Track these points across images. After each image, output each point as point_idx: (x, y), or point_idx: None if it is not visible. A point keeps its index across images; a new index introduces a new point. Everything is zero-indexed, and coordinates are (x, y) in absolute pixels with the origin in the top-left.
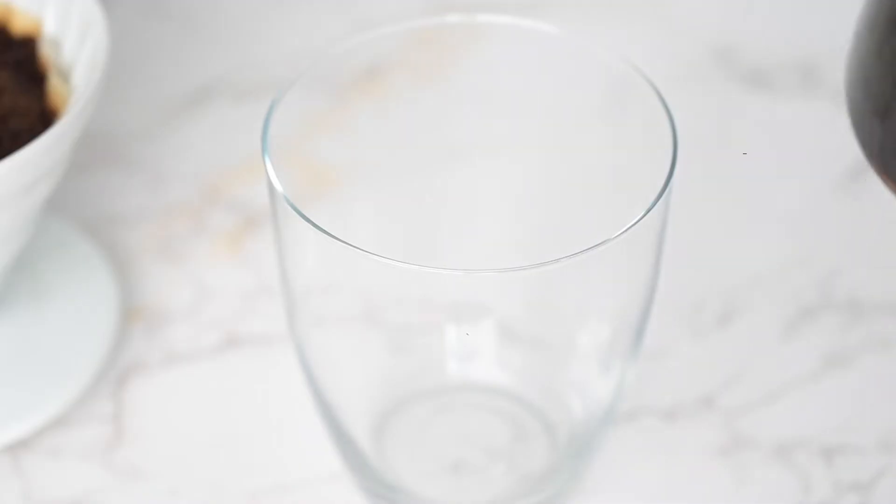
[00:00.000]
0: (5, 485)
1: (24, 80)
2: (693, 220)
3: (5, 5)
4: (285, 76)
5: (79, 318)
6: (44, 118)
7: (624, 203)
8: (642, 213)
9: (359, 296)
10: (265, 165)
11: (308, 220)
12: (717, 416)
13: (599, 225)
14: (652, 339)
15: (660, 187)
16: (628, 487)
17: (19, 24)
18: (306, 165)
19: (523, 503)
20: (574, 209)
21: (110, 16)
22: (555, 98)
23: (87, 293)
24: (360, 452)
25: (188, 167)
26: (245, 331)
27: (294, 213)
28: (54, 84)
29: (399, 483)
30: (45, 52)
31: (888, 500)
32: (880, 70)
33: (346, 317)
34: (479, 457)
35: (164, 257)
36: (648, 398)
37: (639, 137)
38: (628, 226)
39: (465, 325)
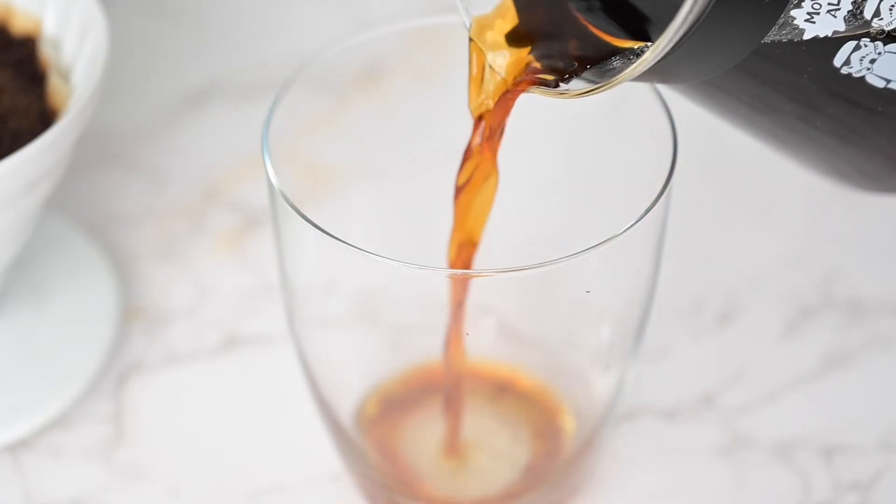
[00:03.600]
0: (5, 485)
1: (24, 80)
2: (693, 220)
3: (5, 5)
4: (285, 76)
5: (79, 318)
6: (44, 118)
7: (624, 203)
8: (642, 213)
9: (358, 295)
10: (265, 165)
11: (308, 220)
12: (717, 416)
13: (599, 225)
14: (652, 339)
15: (660, 187)
16: (628, 487)
17: (19, 24)
18: (306, 165)
19: (524, 502)
20: (574, 209)
21: (110, 16)
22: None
23: (87, 293)
24: (361, 452)
25: (188, 167)
26: (245, 331)
27: (294, 212)
28: (54, 84)
29: (399, 483)
30: (45, 52)
31: (888, 500)
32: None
33: (346, 316)
34: (480, 457)
35: (164, 257)
36: (648, 398)
37: (639, 137)
38: (628, 226)
39: (464, 324)
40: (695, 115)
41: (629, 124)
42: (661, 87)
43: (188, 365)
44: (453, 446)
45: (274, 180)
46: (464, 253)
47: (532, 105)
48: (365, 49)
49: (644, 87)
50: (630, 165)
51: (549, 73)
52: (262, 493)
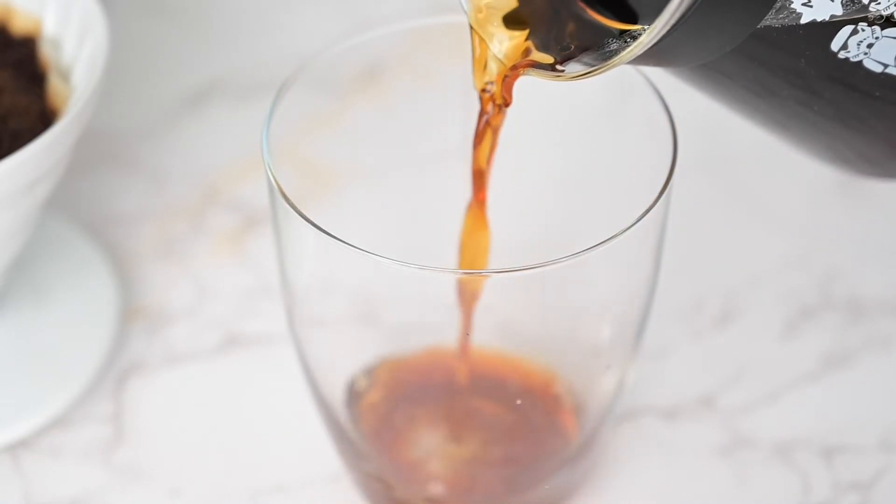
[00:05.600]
0: (5, 485)
1: (24, 80)
2: (693, 220)
3: (5, 5)
4: (285, 76)
5: (79, 318)
6: (44, 118)
7: (624, 203)
8: (642, 213)
9: (358, 295)
10: (265, 165)
11: (307, 220)
12: (717, 416)
13: (599, 225)
14: (652, 339)
15: (660, 187)
16: (628, 487)
17: (19, 24)
18: (306, 165)
19: (524, 501)
20: (574, 209)
21: (110, 16)
22: (555, 98)
23: (87, 293)
24: (360, 452)
25: (188, 167)
26: (245, 331)
27: (294, 212)
28: (54, 84)
29: (399, 482)
30: (45, 52)
31: (888, 500)
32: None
33: (346, 316)
34: (479, 456)
35: (164, 257)
36: (648, 398)
37: (639, 137)
38: (628, 226)
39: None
40: (695, 115)
41: (629, 124)
42: (662, 81)
43: (188, 365)
44: (453, 447)
45: (274, 180)
46: (478, 182)
47: (532, 105)
48: (365, 49)
49: (644, 87)
50: (630, 165)
51: (546, 57)
52: (262, 493)
